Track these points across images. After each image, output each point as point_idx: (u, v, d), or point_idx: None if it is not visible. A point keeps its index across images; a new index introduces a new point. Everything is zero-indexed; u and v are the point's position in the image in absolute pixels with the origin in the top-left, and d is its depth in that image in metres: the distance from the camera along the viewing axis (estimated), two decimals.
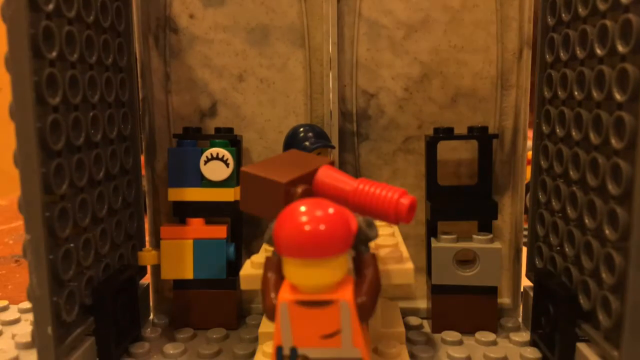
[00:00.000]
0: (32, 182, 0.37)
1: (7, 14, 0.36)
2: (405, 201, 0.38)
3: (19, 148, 0.37)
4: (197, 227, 0.52)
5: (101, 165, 0.46)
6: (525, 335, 0.50)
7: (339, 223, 0.32)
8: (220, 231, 0.52)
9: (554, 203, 0.48)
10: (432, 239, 0.51)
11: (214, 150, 0.51)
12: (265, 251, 0.47)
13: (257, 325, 0.50)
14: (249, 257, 0.44)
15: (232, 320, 0.53)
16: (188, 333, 0.51)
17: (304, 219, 0.32)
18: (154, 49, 0.55)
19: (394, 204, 0.38)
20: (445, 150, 0.54)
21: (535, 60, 0.51)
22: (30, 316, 0.54)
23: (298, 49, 0.54)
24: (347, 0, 0.53)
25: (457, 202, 0.52)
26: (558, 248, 0.47)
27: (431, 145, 0.52)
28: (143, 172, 0.55)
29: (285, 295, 0.33)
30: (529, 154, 0.53)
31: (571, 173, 0.44)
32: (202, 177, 0.51)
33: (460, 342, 0.50)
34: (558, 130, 0.47)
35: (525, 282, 0.53)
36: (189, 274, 0.52)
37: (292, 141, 0.51)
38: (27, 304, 0.57)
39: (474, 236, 0.50)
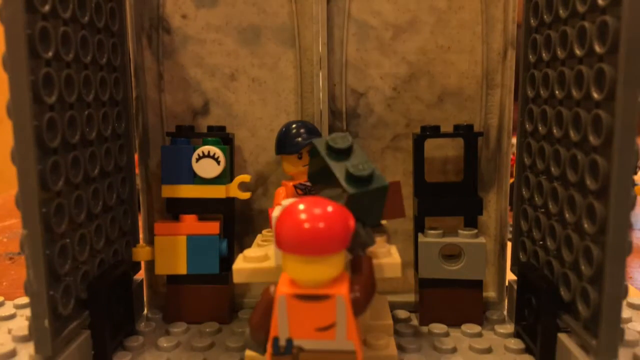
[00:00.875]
0: (29, 179, 0.38)
1: (4, 15, 0.36)
2: None
3: (16, 146, 0.38)
4: (190, 223, 0.53)
5: (96, 163, 0.47)
6: (509, 327, 0.52)
7: (337, 222, 0.33)
8: (213, 227, 0.53)
9: (536, 199, 0.49)
10: (419, 234, 0.53)
11: (206, 148, 0.52)
12: (257, 245, 0.48)
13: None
14: (241, 252, 0.45)
15: (224, 315, 0.55)
16: (181, 327, 0.52)
17: (304, 217, 0.33)
18: (147, 49, 0.56)
19: None
20: (432, 147, 0.56)
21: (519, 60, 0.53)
22: (25, 311, 0.55)
23: (289, 49, 0.55)
24: (337, 1, 0.54)
25: (444, 198, 0.53)
26: (541, 242, 0.49)
27: (418, 143, 0.53)
28: (137, 169, 0.56)
29: (283, 289, 0.34)
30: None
31: (553, 169, 0.46)
32: (195, 174, 0.53)
33: (446, 334, 0.51)
34: (540, 128, 0.48)
35: (511, 277, 0.55)
36: (182, 270, 0.53)
37: (285, 138, 0.52)
38: (22, 300, 0.57)
39: (459, 231, 0.52)
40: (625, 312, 0.53)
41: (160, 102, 0.56)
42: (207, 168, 0.52)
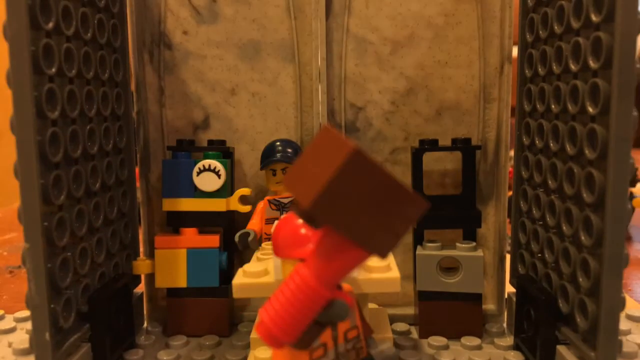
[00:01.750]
0: (32, 193, 0.39)
1: (9, 32, 0.37)
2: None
3: (19, 160, 0.38)
4: (190, 236, 0.54)
5: (97, 177, 0.48)
6: (509, 340, 0.52)
7: None
8: (213, 240, 0.54)
9: (534, 211, 0.50)
10: (418, 247, 0.53)
11: (206, 162, 0.52)
12: (257, 259, 0.48)
13: (249, 332, 0.52)
14: (241, 265, 0.45)
15: (224, 328, 0.55)
16: (181, 340, 0.52)
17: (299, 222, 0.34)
18: (148, 64, 0.56)
19: None
20: (431, 161, 0.56)
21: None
22: (26, 325, 0.55)
23: (288, 64, 0.56)
24: (336, 17, 0.55)
25: (443, 211, 0.53)
26: (539, 255, 0.49)
27: (417, 157, 0.53)
28: (138, 183, 0.57)
29: None
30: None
31: (550, 182, 0.46)
32: (195, 187, 0.53)
33: (446, 347, 0.51)
34: (537, 142, 0.49)
35: (510, 289, 0.55)
36: (182, 283, 0.54)
37: (264, 153, 0.54)
38: (22, 314, 0.57)
39: (457, 244, 0.52)
40: (624, 324, 0.53)
41: (161, 116, 0.57)
42: (207, 181, 0.53)
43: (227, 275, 0.54)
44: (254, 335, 0.46)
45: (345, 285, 0.37)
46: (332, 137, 0.28)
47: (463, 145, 0.53)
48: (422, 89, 0.56)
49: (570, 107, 0.42)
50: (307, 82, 0.56)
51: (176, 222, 0.54)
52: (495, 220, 0.57)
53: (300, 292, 0.30)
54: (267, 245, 0.51)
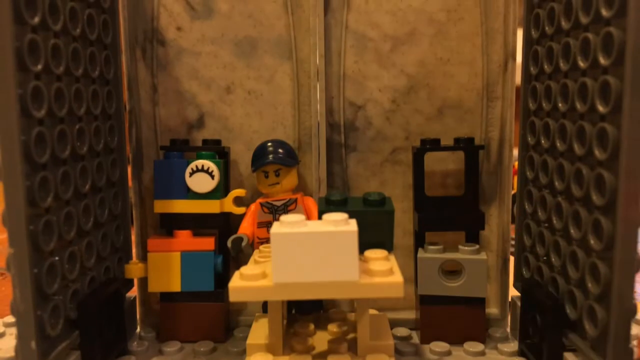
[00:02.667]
0: (17, 195, 0.37)
1: None
2: None
3: (3, 161, 0.36)
4: (184, 239, 0.52)
5: (87, 178, 0.46)
6: (513, 346, 0.50)
7: None
8: (208, 243, 0.52)
9: (540, 213, 0.48)
10: (419, 250, 0.51)
11: (199, 163, 0.51)
12: (254, 262, 0.47)
13: (245, 338, 0.50)
14: (237, 268, 0.44)
15: (219, 333, 0.53)
16: (175, 346, 0.51)
17: None
18: (141, 61, 0.55)
19: None
20: (433, 161, 0.55)
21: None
22: (15, 330, 0.53)
23: (285, 61, 0.54)
24: (334, 13, 0.54)
25: (445, 212, 0.52)
26: (544, 258, 0.47)
27: (418, 157, 0.52)
28: (130, 184, 0.55)
29: None
30: (516, 164, 0.53)
31: (556, 184, 0.45)
32: (189, 189, 0.51)
33: (448, 353, 0.50)
34: (543, 142, 0.47)
35: (514, 292, 0.53)
36: (176, 287, 0.52)
37: (255, 154, 0.52)
38: (12, 318, 0.56)
39: (460, 247, 0.51)
40: (634, 330, 0.51)
41: (155, 115, 0.55)
42: (200, 182, 0.51)
43: (222, 279, 0.53)
44: (249, 340, 0.44)
45: None
46: None
47: (466, 145, 0.51)
48: (424, 87, 0.54)
49: (578, 105, 0.41)
50: (305, 79, 0.54)
51: (170, 224, 0.53)
52: (498, 221, 0.55)
53: None
54: (265, 248, 0.49)
